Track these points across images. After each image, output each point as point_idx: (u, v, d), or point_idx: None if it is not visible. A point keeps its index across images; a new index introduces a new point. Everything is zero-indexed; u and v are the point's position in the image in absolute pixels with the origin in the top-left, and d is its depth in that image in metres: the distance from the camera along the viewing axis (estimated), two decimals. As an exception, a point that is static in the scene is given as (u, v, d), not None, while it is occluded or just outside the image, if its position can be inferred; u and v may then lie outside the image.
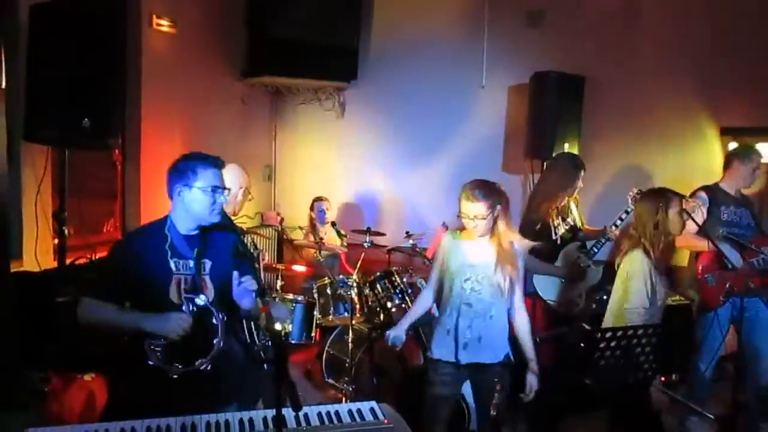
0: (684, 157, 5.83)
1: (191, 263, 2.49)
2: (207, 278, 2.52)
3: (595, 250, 4.29)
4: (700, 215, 4.16)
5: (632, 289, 3.27)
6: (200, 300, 2.43)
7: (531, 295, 4.19)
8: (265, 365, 3.43)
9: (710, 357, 4.09)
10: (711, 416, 2.79)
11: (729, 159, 4.37)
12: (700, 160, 5.85)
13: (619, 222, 4.21)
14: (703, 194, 4.27)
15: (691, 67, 5.74)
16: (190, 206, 2.48)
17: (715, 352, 4.07)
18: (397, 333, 3.27)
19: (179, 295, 2.44)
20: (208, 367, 2.43)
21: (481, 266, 3.11)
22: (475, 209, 3.02)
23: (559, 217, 4.24)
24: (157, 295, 2.41)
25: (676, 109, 5.84)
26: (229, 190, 2.58)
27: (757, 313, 4.04)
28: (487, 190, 3.05)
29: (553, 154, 5.63)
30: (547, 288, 4.14)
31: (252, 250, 4.26)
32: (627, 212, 4.10)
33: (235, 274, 2.46)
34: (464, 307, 3.13)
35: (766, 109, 5.54)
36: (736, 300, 3.97)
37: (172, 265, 2.45)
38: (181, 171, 2.48)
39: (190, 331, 2.36)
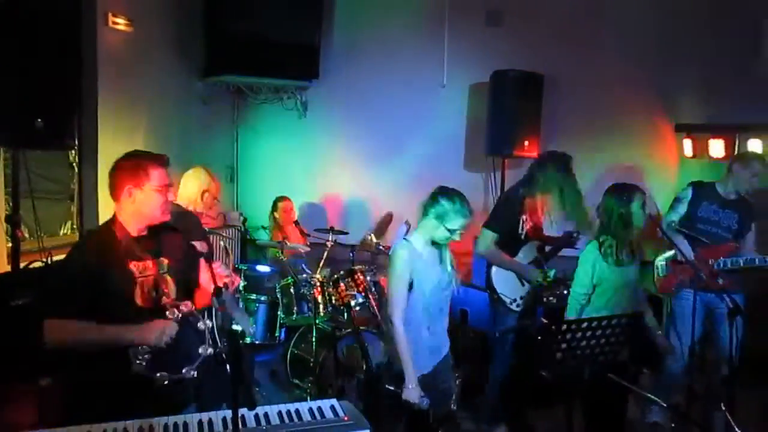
0: (640, 152, 5.96)
1: (150, 264, 2.46)
2: (167, 277, 2.49)
3: (552, 254, 4.36)
4: (680, 209, 4.34)
5: (577, 276, 3.51)
6: (185, 306, 2.40)
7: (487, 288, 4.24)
8: (226, 366, 3.40)
9: (683, 351, 4.19)
10: (665, 405, 2.86)
11: (731, 162, 4.45)
12: (656, 155, 5.99)
13: (575, 235, 4.27)
14: (689, 189, 4.40)
15: (648, 66, 5.87)
16: (143, 206, 2.43)
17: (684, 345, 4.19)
18: (419, 394, 2.99)
19: (144, 298, 2.40)
20: (194, 375, 2.40)
21: (445, 272, 3.16)
22: (465, 222, 3.05)
23: (528, 213, 4.23)
24: (123, 303, 2.36)
25: (632, 106, 5.96)
26: (172, 186, 2.53)
27: (717, 306, 4.15)
28: None
29: (513, 152, 5.71)
30: (504, 282, 4.17)
31: (229, 252, 4.27)
32: None
33: (203, 262, 2.50)
34: (440, 314, 3.18)
35: (719, 106, 5.69)
36: (704, 296, 4.09)
37: (134, 269, 2.40)
38: (131, 171, 2.42)
39: (176, 337, 2.34)
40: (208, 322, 2.46)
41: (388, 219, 6.20)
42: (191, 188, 3.89)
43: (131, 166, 2.43)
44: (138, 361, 2.31)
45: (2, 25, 3.38)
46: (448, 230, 3.02)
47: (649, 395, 3.02)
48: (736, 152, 5.42)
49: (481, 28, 6.23)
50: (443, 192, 3.07)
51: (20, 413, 3.13)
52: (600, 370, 2.80)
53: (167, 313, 2.37)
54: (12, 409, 3.13)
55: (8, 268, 3.76)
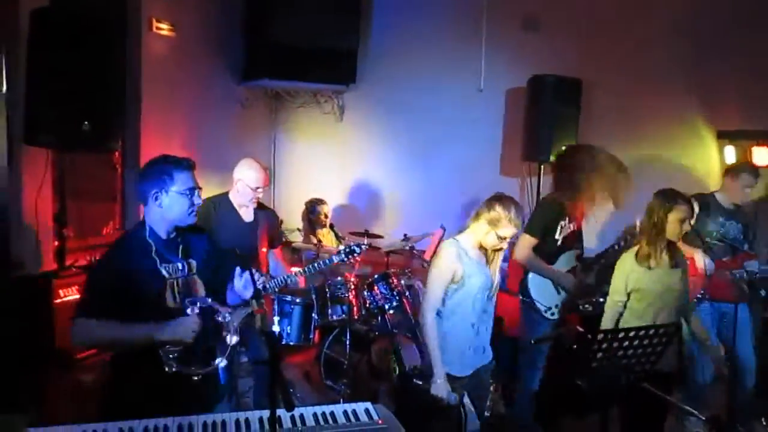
0: (680, 160, 5.87)
1: (180, 265, 2.51)
2: (196, 277, 2.55)
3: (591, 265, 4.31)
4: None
5: (613, 283, 3.50)
6: (203, 302, 2.45)
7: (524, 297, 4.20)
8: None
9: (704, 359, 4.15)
10: (702, 417, 2.80)
11: (724, 173, 4.45)
12: (696, 163, 5.89)
13: (617, 247, 4.19)
14: (694, 204, 4.30)
15: (687, 71, 5.78)
16: (169, 210, 2.47)
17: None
18: (447, 389, 3.05)
19: (175, 299, 2.46)
20: (223, 364, 2.48)
21: (488, 272, 3.20)
22: (515, 232, 3.11)
23: (567, 219, 4.19)
24: (154, 305, 2.41)
25: (672, 112, 5.88)
26: (201, 189, 2.56)
27: (733, 316, 4.09)
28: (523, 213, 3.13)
29: (550, 158, 5.66)
30: (540, 289, 4.13)
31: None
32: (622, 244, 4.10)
33: (238, 270, 2.52)
34: (484, 315, 3.22)
35: (761, 112, 5.57)
36: (719, 305, 4.11)
37: (164, 272, 2.45)
38: (156, 176, 2.46)
39: (201, 332, 2.39)
40: (227, 314, 2.49)
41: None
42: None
43: (156, 171, 2.48)
44: (170, 359, 2.37)
45: (50, 30, 3.50)
46: (499, 237, 3.07)
47: (687, 407, 2.96)
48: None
49: (519, 32, 6.21)
50: (500, 199, 3.11)
51: (63, 407, 3.22)
52: (637, 380, 2.76)
53: (187, 310, 2.41)
54: (55, 403, 3.22)
55: (55, 266, 3.88)
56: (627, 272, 3.44)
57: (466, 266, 3.11)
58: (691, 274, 4.09)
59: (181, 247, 2.55)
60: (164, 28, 5.06)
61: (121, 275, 2.38)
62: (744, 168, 4.40)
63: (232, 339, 2.49)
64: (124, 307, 2.35)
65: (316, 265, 4.28)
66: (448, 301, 3.13)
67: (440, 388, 3.03)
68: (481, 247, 3.20)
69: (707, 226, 4.28)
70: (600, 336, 2.64)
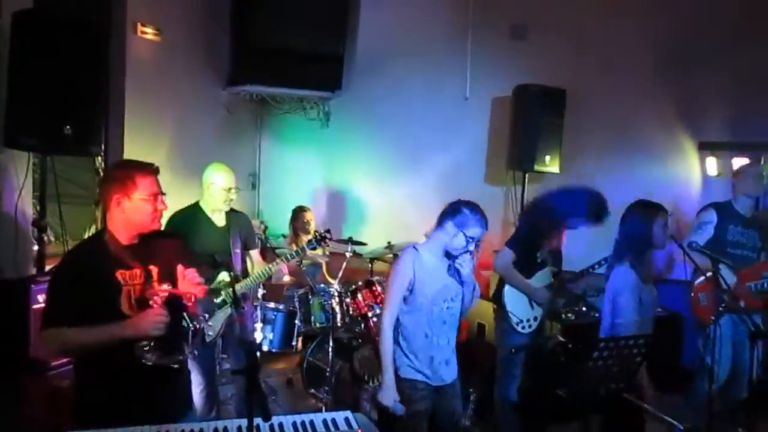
0: (663, 170, 5.92)
1: (138, 272, 2.44)
2: (155, 285, 2.46)
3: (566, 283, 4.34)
4: (707, 233, 4.25)
5: (621, 304, 3.32)
6: (164, 292, 2.39)
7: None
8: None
9: (718, 373, 4.10)
10: (681, 427, 2.82)
11: (732, 183, 4.43)
12: (678, 173, 5.94)
13: (597, 266, 4.15)
14: (712, 212, 4.33)
15: (670, 83, 5.83)
16: (132, 216, 2.42)
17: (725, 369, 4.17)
18: (393, 397, 3.00)
19: (130, 306, 2.39)
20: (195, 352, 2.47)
21: (454, 284, 3.16)
22: (483, 235, 3.08)
23: (548, 241, 4.27)
24: (108, 311, 2.35)
25: (655, 123, 5.93)
26: (165, 194, 2.50)
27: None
28: None
29: (534, 167, 5.70)
30: (516, 302, 4.13)
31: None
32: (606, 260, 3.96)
33: (180, 267, 2.45)
34: (443, 326, 3.15)
35: (742, 124, 5.64)
36: (734, 316, 4.09)
37: (119, 278, 2.39)
38: (118, 180, 2.41)
39: (170, 321, 2.35)
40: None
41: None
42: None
43: (119, 175, 2.43)
44: (146, 354, 2.34)
45: (33, 33, 3.47)
46: (467, 237, 3.04)
47: (664, 416, 2.97)
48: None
49: (505, 41, 6.24)
50: (465, 202, 3.13)
51: (37, 412, 3.18)
52: (618, 390, 2.77)
53: (150, 302, 2.37)
54: (33, 409, 3.18)
55: (34, 271, 3.83)
56: (636, 288, 3.33)
57: (419, 274, 3.08)
58: (709, 288, 4.05)
59: (142, 253, 2.47)
60: (149, 32, 5.04)
61: (76, 282, 2.34)
62: (745, 167, 4.46)
63: (191, 325, 2.45)
64: (83, 314, 2.30)
65: (293, 253, 4.39)
66: (405, 308, 3.11)
67: (385, 396, 2.99)
68: (447, 255, 3.15)
69: (728, 235, 4.26)
70: (581, 346, 2.65)
